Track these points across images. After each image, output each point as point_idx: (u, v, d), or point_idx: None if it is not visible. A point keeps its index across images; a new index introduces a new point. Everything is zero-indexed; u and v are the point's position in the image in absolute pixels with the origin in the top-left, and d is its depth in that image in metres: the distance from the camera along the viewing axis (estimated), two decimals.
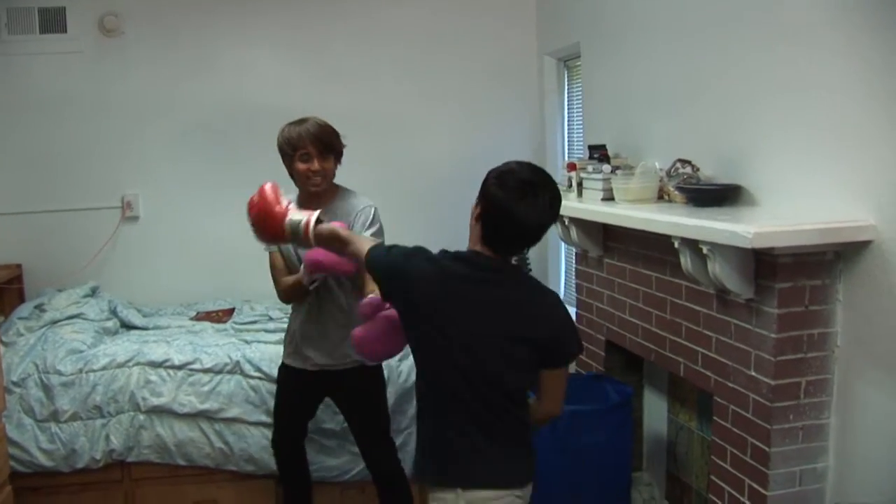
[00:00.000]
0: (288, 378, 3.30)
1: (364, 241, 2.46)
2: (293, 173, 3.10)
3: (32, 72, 4.64)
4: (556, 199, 2.28)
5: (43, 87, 4.66)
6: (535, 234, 2.27)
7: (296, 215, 2.53)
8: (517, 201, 2.19)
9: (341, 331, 3.05)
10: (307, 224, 2.50)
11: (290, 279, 3.10)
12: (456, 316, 2.21)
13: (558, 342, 2.27)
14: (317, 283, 3.04)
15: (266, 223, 2.56)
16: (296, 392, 3.31)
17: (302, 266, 2.99)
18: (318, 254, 2.78)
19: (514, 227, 2.22)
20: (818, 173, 2.58)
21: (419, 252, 2.31)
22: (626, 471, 3.43)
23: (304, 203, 3.04)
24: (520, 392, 2.30)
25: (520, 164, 2.31)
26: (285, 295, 3.17)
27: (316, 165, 3.04)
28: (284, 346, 3.30)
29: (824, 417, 2.57)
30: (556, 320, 2.28)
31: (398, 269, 2.28)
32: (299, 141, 3.03)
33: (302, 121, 3.09)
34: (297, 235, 2.52)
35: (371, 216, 3.13)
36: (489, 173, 2.29)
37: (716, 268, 2.58)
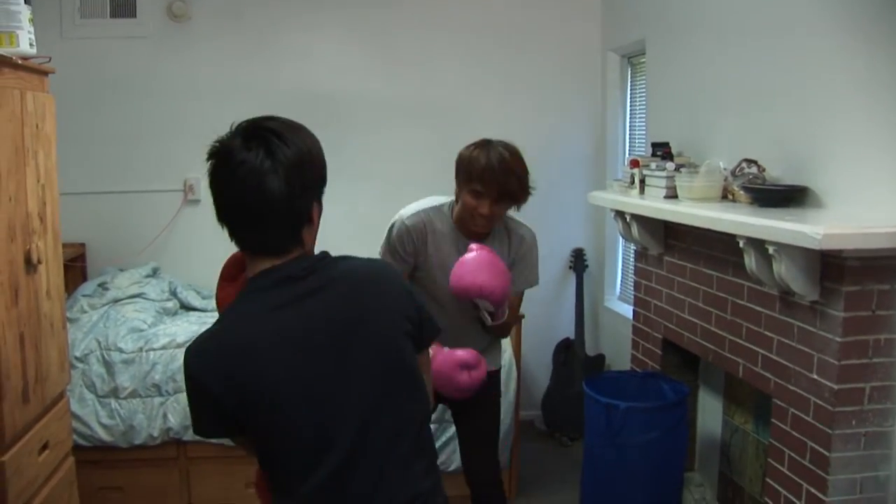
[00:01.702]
0: None
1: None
2: (459, 196, 2.79)
3: (101, 55, 4.71)
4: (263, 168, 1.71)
5: (111, 70, 4.73)
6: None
7: None
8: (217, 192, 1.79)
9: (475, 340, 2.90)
10: None
11: None
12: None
13: None
14: None
15: None
16: None
17: None
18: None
19: (225, 208, 1.77)
20: (888, 177, 2.53)
21: None
22: (679, 470, 3.40)
23: (463, 228, 2.82)
24: None
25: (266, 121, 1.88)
26: None
27: (486, 210, 2.70)
28: None
29: (888, 425, 2.53)
30: None
31: None
32: (479, 174, 2.66)
33: (490, 147, 2.71)
34: None
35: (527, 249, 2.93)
36: None
37: (781, 268, 2.55)
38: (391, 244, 2.85)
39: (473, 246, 2.69)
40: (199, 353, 1.67)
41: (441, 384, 2.63)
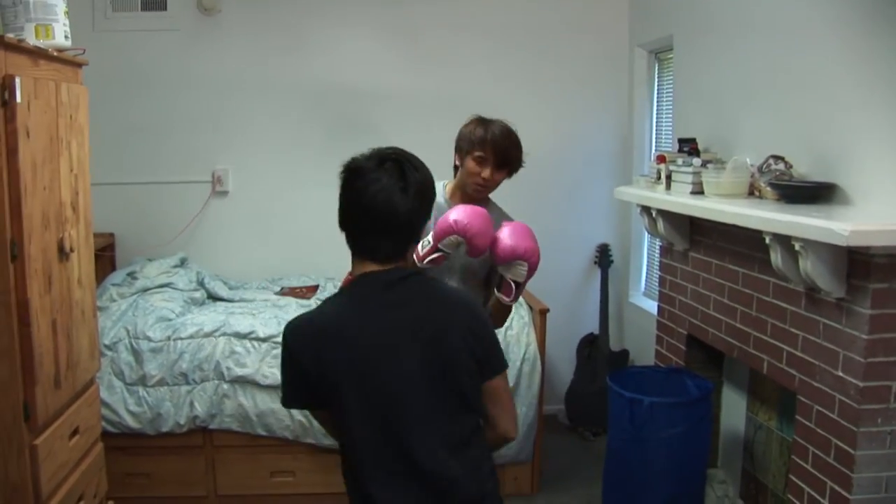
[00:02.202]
0: None
1: None
2: (461, 168, 2.90)
3: (132, 48, 4.77)
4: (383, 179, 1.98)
5: (141, 62, 4.79)
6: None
7: None
8: (351, 197, 2.00)
9: None
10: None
11: None
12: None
13: None
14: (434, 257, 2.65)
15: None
16: None
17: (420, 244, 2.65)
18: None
19: (354, 221, 2.01)
20: None
21: None
22: (702, 466, 3.41)
23: (458, 202, 2.87)
24: None
25: (380, 150, 2.08)
26: None
27: (488, 174, 2.83)
28: None
29: None
30: None
31: None
32: (482, 142, 2.82)
33: (490, 122, 2.91)
34: None
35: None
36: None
37: (808, 265, 2.55)
38: None
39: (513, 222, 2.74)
40: (296, 331, 1.95)
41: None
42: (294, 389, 1.98)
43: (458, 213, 2.57)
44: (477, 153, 2.83)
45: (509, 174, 2.92)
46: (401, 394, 1.91)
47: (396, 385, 1.91)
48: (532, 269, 2.67)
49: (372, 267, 1.96)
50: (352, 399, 1.90)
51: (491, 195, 2.98)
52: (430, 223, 2.62)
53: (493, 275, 2.85)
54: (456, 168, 2.96)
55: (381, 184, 1.92)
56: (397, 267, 1.98)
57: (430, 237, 2.61)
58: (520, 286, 2.69)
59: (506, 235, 2.63)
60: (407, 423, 1.91)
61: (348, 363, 1.90)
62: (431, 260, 2.59)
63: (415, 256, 2.53)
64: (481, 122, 2.91)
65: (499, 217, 2.91)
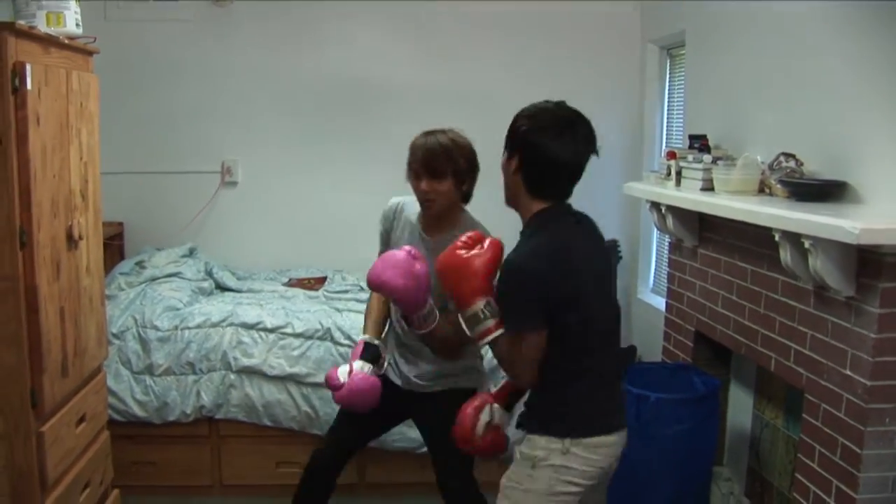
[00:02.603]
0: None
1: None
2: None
3: (143, 38, 4.77)
4: (592, 132, 2.31)
5: (152, 53, 4.80)
6: (579, 171, 2.29)
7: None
8: (570, 147, 2.23)
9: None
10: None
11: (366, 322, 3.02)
12: (589, 284, 2.24)
13: None
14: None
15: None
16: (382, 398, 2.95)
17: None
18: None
19: (564, 168, 2.24)
20: None
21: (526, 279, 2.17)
22: (708, 464, 3.40)
23: (427, 224, 2.90)
24: None
25: (545, 105, 2.35)
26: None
27: (424, 186, 2.79)
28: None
29: None
30: None
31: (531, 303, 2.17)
32: (413, 156, 2.83)
33: (432, 133, 2.86)
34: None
35: None
36: (520, 119, 2.28)
37: (817, 263, 2.54)
38: (380, 223, 3.03)
39: (406, 248, 2.69)
40: (537, 257, 2.16)
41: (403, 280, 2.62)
42: (529, 313, 2.15)
43: (387, 273, 2.57)
44: (413, 167, 2.82)
45: (462, 183, 2.85)
46: (611, 305, 2.37)
47: (608, 297, 2.37)
48: (400, 299, 2.62)
49: (548, 203, 2.25)
50: (593, 308, 2.22)
51: (468, 208, 2.96)
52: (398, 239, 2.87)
53: None
54: None
55: (586, 138, 2.27)
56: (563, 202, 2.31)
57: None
58: (410, 317, 2.69)
59: (371, 268, 2.62)
60: (615, 338, 2.39)
61: (587, 275, 2.22)
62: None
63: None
64: (422, 135, 2.89)
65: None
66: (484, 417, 2.43)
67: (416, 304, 2.63)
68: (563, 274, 2.17)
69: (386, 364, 2.97)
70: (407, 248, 2.67)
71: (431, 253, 2.70)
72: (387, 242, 2.98)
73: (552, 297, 2.15)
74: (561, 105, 2.34)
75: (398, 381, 2.97)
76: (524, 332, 2.18)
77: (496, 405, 2.46)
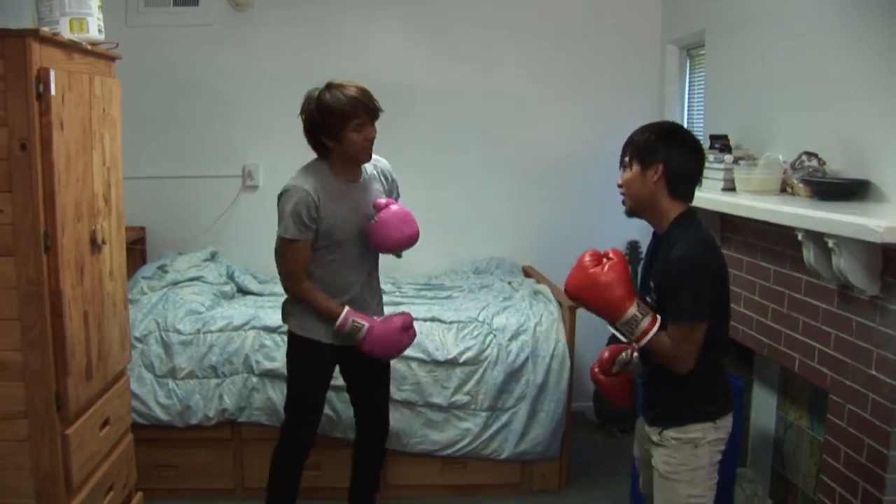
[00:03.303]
0: (330, 360, 3.22)
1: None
2: (340, 146, 2.97)
3: (164, 43, 4.80)
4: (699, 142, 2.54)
5: (173, 58, 4.82)
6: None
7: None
8: (701, 159, 2.49)
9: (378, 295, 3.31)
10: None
11: (321, 303, 3.05)
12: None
13: None
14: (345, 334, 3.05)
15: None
16: (328, 376, 3.26)
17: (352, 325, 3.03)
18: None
19: (698, 175, 2.51)
20: None
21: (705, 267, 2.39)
22: (731, 465, 3.37)
23: (345, 175, 3.06)
24: None
25: (661, 123, 2.59)
26: (308, 304, 3.10)
27: (372, 133, 2.98)
28: (306, 323, 3.14)
29: None
30: None
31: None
32: (353, 110, 2.90)
33: (341, 86, 2.95)
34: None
35: (390, 169, 3.30)
36: (656, 136, 2.44)
37: (841, 262, 2.52)
38: (296, 213, 2.96)
39: (381, 202, 3.02)
40: (703, 248, 2.40)
41: (388, 349, 3.13)
42: (705, 303, 2.35)
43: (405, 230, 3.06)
44: (355, 122, 2.92)
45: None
46: None
47: None
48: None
49: (684, 206, 2.48)
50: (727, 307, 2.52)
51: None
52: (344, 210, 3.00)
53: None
54: (323, 150, 3.04)
55: (700, 146, 2.50)
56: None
57: (352, 328, 3.03)
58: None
59: (390, 229, 3.04)
60: None
61: (726, 277, 2.49)
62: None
63: (337, 322, 3.04)
64: (329, 90, 2.96)
65: (373, 166, 3.20)
66: (623, 357, 2.72)
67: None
68: (721, 264, 2.46)
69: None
70: (384, 202, 3.02)
71: (364, 194, 3.09)
72: (315, 220, 3.00)
73: (716, 286, 2.40)
74: (674, 123, 2.65)
75: (330, 339, 3.12)
76: (700, 321, 2.36)
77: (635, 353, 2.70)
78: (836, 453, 2.77)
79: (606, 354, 2.76)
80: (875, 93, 2.81)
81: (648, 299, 2.51)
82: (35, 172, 2.33)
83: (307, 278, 3.07)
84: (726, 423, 2.50)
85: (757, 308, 3.30)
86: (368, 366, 3.23)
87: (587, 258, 2.49)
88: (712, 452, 2.48)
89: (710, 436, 2.46)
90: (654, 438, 2.53)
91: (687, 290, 2.35)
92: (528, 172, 5.01)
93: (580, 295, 2.47)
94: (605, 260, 2.47)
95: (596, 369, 2.76)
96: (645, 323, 2.38)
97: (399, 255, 3.20)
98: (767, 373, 3.62)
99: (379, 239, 3.04)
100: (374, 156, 3.15)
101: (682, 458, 2.46)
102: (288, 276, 3.11)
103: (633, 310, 2.39)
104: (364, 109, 2.92)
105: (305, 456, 3.25)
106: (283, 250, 3.06)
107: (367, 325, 3.03)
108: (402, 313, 3.18)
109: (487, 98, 4.91)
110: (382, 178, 3.23)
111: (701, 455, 2.46)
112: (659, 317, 2.40)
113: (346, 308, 3.04)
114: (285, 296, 4.45)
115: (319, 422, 3.30)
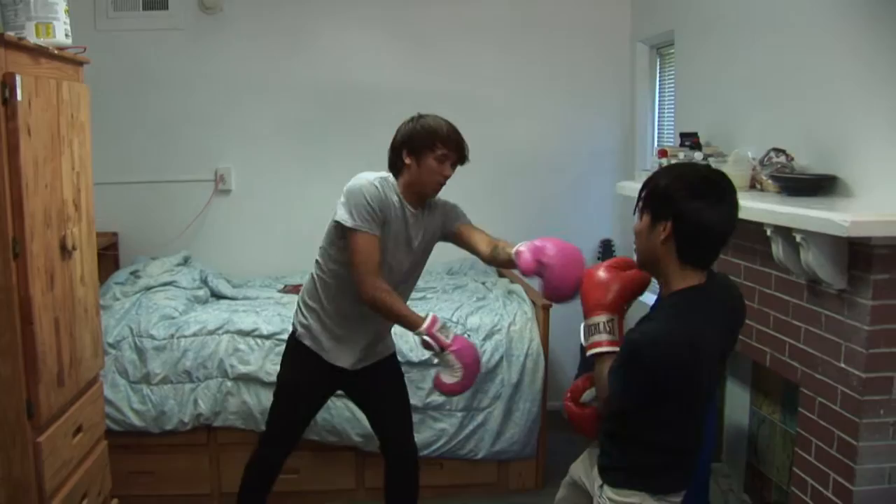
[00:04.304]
0: (314, 374, 3.05)
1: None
2: (417, 167, 2.84)
3: (134, 47, 4.78)
4: (736, 195, 2.14)
5: (143, 62, 4.80)
6: (729, 238, 2.16)
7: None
8: (728, 215, 2.09)
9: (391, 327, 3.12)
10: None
11: (403, 311, 2.84)
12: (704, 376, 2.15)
13: None
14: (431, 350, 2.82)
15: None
16: (321, 394, 3.18)
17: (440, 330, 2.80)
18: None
19: (721, 236, 2.11)
20: None
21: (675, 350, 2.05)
22: (706, 461, 3.40)
23: (410, 200, 2.90)
24: None
25: (691, 167, 2.32)
26: (381, 311, 2.86)
27: (449, 171, 2.86)
28: (315, 340, 3.01)
29: None
30: None
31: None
32: (446, 140, 2.83)
33: (440, 119, 2.90)
34: None
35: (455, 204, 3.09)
36: (675, 184, 2.07)
37: (809, 257, 2.55)
38: (368, 205, 2.77)
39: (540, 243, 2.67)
40: (667, 344, 2.02)
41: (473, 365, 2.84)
42: (637, 394, 2.11)
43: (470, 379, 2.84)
44: (440, 151, 2.83)
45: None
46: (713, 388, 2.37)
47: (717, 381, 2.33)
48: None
49: (696, 279, 2.12)
50: (701, 399, 2.20)
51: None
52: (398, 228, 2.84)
53: (445, 232, 3.05)
54: (399, 166, 2.90)
55: (735, 204, 2.13)
56: (710, 277, 2.18)
57: (441, 348, 2.78)
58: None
59: (562, 276, 2.56)
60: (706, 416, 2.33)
61: (707, 366, 2.12)
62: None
63: (430, 336, 2.77)
64: (428, 117, 2.91)
65: (443, 208, 3.04)
66: (591, 393, 2.45)
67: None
68: (686, 371, 2.06)
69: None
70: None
71: (422, 223, 2.96)
72: (381, 223, 2.83)
73: (665, 387, 2.08)
74: (709, 168, 2.27)
75: (346, 364, 3.01)
76: (618, 402, 2.19)
77: None
78: (807, 446, 2.79)
79: (580, 383, 2.50)
80: (842, 90, 2.84)
81: None
82: (2, 179, 2.30)
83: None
84: (675, 499, 2.26)
85: None
86: (379, 385, 3.14)
87: (616, 259, 2.35)
88: None
89: None
90: (596, 494, 2.35)
91: (621, 375, 2.11)
92: (502, 172, 5.02)
93: (588, 277, 2.31)
94: (623, 269, 2.29)
95: (568, 395, 2.53)
96: (601, 338, 2.22)
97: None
98: (740, 369, 3.64)
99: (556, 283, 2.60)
100: (445, 204, 3.05)
101: None
102: (356, 272, 2.81)
103: (603, 318, 2.22)
104: (455, 146, 2.84)
105: (276, 469, 3.19)
106: (350, 243, 2.82)
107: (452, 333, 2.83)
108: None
109: (459, 99, 4.90)
110: (442, 219, 3.03)
111: None
112: (616, 349, 2.20)
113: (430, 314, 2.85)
114: (258, 298, 4.45)
115: (297, 441, 3.20)
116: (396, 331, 3.79)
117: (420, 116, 2.92)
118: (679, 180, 2.08)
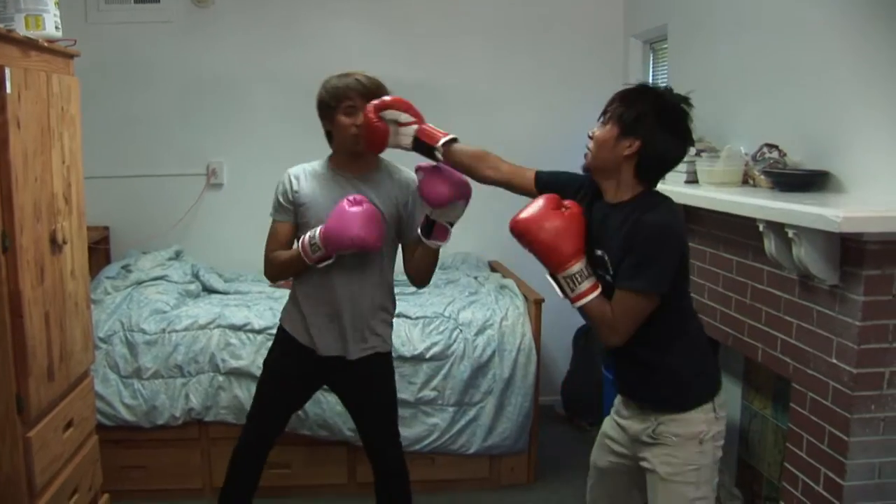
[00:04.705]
0: (295, 361, 3.00)
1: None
2: (334, 129, 2.85)
3: (125, 40, 4.75)
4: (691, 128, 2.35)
5: (134, 55, 4.78)
6: None
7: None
8: (685, 150, 2.32)
9: (378, 313, 2.96)
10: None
11: (284, 255, 2.89)
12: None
13: None
14: (328, 262, 2.77)
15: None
16: (301, 382, 3.07)
17: (310, 242, 2.75)
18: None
19: (674, 164, 2.34)
20: None
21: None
22: None
23: (343, 167, 2.89)
24: None
25: (666, 97, 2.33)
26: (277, 271, 2.96)
27: (361, 119, 2.72)
28: (292, 323, 3.00)
29: None
30: None
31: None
32: (346, 92, 2.77)
33: (347, 73, 2.84)
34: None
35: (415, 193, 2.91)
36: (647, 107, 2.25)
37: (801, 252, 2.55)
38: (277, 193, 2.98)
39: (351, 197, 2.74)
40: (675, 219, 2.29)
41: (344, 230, 2.69)
42: (668, 274, 2.21)
43: (355, 229, 2.65)
44: (346, 104, 2.79)
45: None
46: None
47: None
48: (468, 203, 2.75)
49: (642, 189, 2.30)
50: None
51: (384, 155, 2.91)
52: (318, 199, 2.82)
53: (406, 227, 2.92)
54: (329, 136, 2.94)
55: (690, 132, 2.34)
56: None
57: (319, 241, 2.71)
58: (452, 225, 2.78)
59: (440, 180, 2.66)
60: None
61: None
62: (327, 264, 2.76)
63: (303, 254, 2.75)
64: (337, 76, 2.88)
65: (394, 173, 2.97)
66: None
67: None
68: (686, 240, 2.34)
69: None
70: (354, 198, 2.73)
71: (364, 189, 2.85)
72: (290, 209, 2.92)
73: (683, 260, 2.28)
74: (680, 97, 2.34)
75: (324, 351, 2.92)
76: (658, 294, 2.22)
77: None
78: (798, 441, 2.80)
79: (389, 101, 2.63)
80: (834, 85, 2.85)
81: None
82: None
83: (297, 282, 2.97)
84: (722, 412, 2.38)
85: (721, 299, 3.33)
86: (360, 390, 3.04)
87: (544, 200, 2.34)
88: (716, 448, 2.37)
89: (713, 429, 2.34)
90: (647, 438, 2.36)
91: (658, 260, 2.20)
92: None
93: (529, 231, 2.29)
94: (563, 209, 2.32)
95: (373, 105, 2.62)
96: (586, 285, 2.25)
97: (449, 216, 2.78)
98: (732, 364, 3.65)
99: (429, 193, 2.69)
100: (404, 176, 2.96)
101: (686, 457, 2.31)
102: (265, 256, 2.96)
103: (579, 265, 2.25)
104: (360, 93, 2.76)
105: (259, 456, 3.12)
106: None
107: (319, 228, 2.75)
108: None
109: (450, 91, 4.91)
110: (401, 193, 2.92)
111: (706, 452, 2.33)
112: (599, 284, 2.27)
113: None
114: (250, 293, 4.44)
115: (278, 431, 3.14)
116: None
117: (326, 80, 2.90)
118: (653, 106, 2.25)
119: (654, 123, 2.22)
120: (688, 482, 2.31)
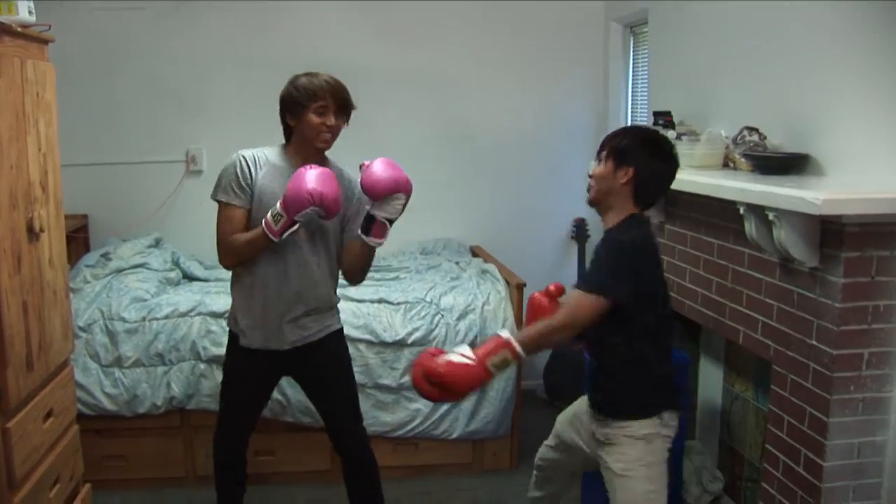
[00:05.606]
0: (252, 362, 2.98)
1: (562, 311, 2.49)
2: (300, 125, 2.86)
3: (101, 25, 4.69)
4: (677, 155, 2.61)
5: (111, 40, 4.72)
6: None
7: (491, 354, 2.35)
8: (673, 170, 2.55)
9: (327, 294, 2.99)
10: (512, 350, 2.34)
11: (246, 235, 2.84)
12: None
13: None
14: (292, 230, 2.73)
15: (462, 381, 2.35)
16: (260, 378, 3.06)
17: (272, 214, 2.72)
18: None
19: (668, 184, 2.59)
20: (888, 144, 2.53)
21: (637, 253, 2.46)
22: (680, 438, 3.41)
23: (296, 157, 2.90)
24: None
25: (646, 129, 2.68)
26: (238, 254, 2.89)
27: (332, 121, 2.83)
28: (240, 327, 2.97)
29: (886, 390, 2.55)
30: None
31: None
32: (319, 91, 2.81)
33: (317, 73, 2.88)
34: (508, 365, 2.38)
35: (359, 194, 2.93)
36: (634, 140, 2.51)
37: (781, 235, 2.56)
38: (228, 176, 2.92)
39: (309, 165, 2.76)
40: (642, 240, 2.47)
41: (300, 191, 2.66)
42: (620, 281, 2.40)
43: (311, 183, 2.64)
44: (318, 104, 2.82)
45: (346, 120, 2.93)
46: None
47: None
48: (407, 201, 2.81)
49: (638, 210, 2.54)
50: (667, 301, 2.62)
51: (328, 153, 2.98)
52: (276, 190, 2.79)
53: (349, 225, 2.95)
54: (288, 130, 2.96)
55: (676, 158, 2.57)
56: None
57: (280, 209, 2.69)
58: (391, 223, 2.81)
59: (380, 171, 2.71)
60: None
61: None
62: (291, 233, 2.72)
63: (267, 230, 2.71)
64: (304, 76, 2.89)
65: (343, 172, 3.00)
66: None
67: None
68: (656, 263, 2.55)
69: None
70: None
71: None
72: (248, 192, 2.89)
73: (646, 277, 2.46)
74: (657, 132, 2.74)
75: (280, 346, 2.94)
76: (603, 295, 2.38)
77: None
78: (779, 423, 2.82)
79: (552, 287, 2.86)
80: (814, 69, 2.86)
81: None
82: None
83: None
84: (673, 422, 2.57)
85: (701, 282, 3.34)
86: (319, 368, 3.04)
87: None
88: (664, 447, 2.55)
89: (662, 431, 2.53)
90: (602, 437, 2.59)
91: (610, 268, 2.44)
92: (475, 152, 5.01)
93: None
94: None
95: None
96: (504, 354, 2.34)
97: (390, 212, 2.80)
98: (713, 347, 3.67)
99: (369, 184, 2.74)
100: (351, 175, 2.99)
101: (636, 455, 2.51)
102: (218, 243, 2.94)
103: (493, 359, 2.33)
104: (331, 94, 2.83)
105: (238, 455, 3.15)
106: (217, 215, 2.95)
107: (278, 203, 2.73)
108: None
109: (432, 78, 4.90)
110: (348, 189, 2.95)
111: (655, 450, 2.52)
112: (502, 335, 2.36)
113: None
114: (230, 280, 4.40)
115: (249, 429, 3.14)
116: (369, 311, 3.79)
117: (294, 78, 2.91)
118: (636, 137, 2.53)
119: (642, 151, 2.48)
120: (640, 477, 2.49)
